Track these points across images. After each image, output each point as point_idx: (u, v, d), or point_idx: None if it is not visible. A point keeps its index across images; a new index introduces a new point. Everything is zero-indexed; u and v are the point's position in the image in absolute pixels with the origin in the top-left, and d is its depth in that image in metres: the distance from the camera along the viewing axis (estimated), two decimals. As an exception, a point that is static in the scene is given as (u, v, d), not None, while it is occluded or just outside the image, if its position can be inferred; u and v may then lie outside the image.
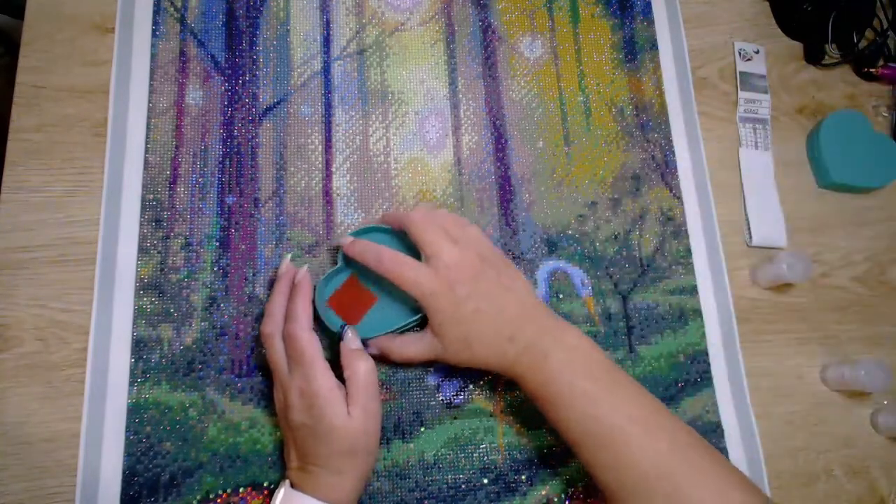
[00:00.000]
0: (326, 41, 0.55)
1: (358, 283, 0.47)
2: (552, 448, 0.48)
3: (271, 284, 0.47)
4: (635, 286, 0.53)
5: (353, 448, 0.40)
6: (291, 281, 0.44)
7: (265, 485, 0.44)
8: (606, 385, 0.40)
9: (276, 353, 0.42)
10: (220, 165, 0.50)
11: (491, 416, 0.48)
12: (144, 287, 0.46)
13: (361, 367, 0.41)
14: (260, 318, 0.47)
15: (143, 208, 0.48)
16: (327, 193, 0.51)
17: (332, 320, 0.45)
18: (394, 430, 0.46)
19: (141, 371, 0.45)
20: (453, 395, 0.48)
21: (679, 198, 0.56)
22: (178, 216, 0.48)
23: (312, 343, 0.41)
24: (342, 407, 0.40)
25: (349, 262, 0.47)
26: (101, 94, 0.50)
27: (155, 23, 0.52)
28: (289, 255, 0.47)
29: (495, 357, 0.41)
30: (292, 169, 0.51)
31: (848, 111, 0.61)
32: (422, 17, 0.57)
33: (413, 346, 0.44)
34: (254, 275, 0.48)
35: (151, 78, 0.51)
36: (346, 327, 0.43)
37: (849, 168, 0.58)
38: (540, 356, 0.40)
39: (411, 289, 0.42)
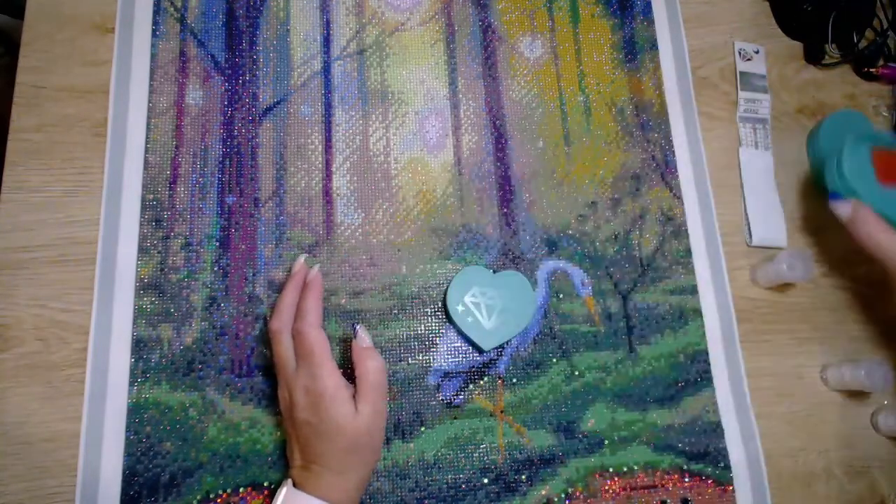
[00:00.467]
0: (326, 41, 0.55)
1: None
2: (552, 448, 0.48)
3: (272, 284, 0.48)
4: (635, 286, 0.53)
5: (357, 447, 0.40)
6: (303, 279, 0.44)
7: (265, 485, 0.44)
8: None
9: (284, 349, 0.42)
10: (220, 165, 0.50)
11: (491, 416, 0.48)
12: (144, 287, 0.46)
13: (372, 366, 0.41)
14: (260, 317, 0.47)
15: (143, 208, 0.48)
16: (327, 193, 0.51)
17: (857, 165, 0.48)
18: (394, 430, 0.46)
19: (141, 371, 0.45)
20: (453, 395, 0.48)
21: (679, 198, 0.56)
22: (178, 216, 0.48)
23: (321, 341, 0.41)
24: (347, 406, 0.40)
25: None
26: (101, 94, 0.50)
27: (155, 23, 0.52)
28: (303, 256, 0.47)
29: None
30: (292, 169, 0.51)
31: (848, 111, 0.61)
32: (422, 17, 0.57)
33: None
34: (254, 275, 0.48)
35: (151, 78, 0.51)
36: (357, 325, 0.43)
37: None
38: None
39: None
